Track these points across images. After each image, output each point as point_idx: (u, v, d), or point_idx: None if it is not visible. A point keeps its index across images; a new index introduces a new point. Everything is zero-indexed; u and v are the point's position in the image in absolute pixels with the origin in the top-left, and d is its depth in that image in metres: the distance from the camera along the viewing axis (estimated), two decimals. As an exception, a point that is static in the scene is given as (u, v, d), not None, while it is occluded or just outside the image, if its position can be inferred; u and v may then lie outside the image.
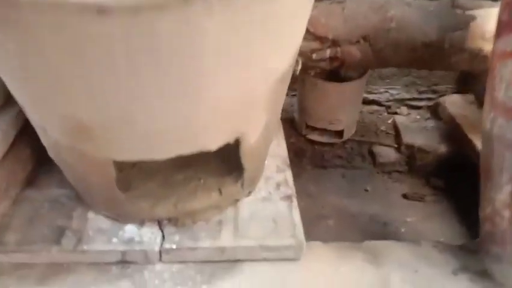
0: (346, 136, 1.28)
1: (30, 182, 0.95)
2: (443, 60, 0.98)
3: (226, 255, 0.83)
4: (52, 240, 0.82)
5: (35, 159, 0.97)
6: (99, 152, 0.69)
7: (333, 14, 0.98)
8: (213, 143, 0.73)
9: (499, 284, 0.83)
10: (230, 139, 0.75)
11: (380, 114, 1.44)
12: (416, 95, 1.44)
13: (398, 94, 1.44)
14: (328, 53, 1.00)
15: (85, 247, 0.81)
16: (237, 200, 0.90)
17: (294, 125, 1.33)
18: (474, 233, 0.99)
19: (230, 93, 0.66)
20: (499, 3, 0.90)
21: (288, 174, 0.99)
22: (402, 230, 1.13)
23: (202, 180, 0.88)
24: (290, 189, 0.95)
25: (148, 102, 0.61)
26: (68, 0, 0.48)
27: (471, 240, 0.94)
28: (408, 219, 1.17)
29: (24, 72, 0.59)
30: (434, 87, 1.42)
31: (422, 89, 1.43)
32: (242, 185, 0.88)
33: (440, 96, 1.42)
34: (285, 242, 0.83)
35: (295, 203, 0.92)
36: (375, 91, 1.43)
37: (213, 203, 0.86)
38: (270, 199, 0.92)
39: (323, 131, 1.27)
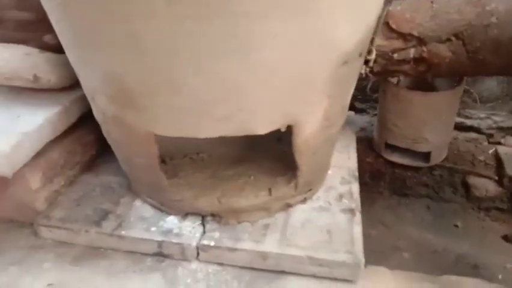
0: (434, 160, 1.10)
1: (89, 167, 0.95)
2: (560, 63, 0.79)
3: (269, 264, 0.72)
4: (93, 221, 0.79)
5: (99, 146, 0.98)
6: (140, 123, 0.66)
7: (420, 8, 0.86)
8: (261, 126, 0.65)
9: None
10: (282, 124, 0.66)
11: (479, 143, 1.22)
12: (527, 124, 1.21)
13: (502, 122, 1.22)
14: (412, 52, 0.87)
15: (123, 232, 0.77)
16: (289, 205, 0.80)
17: (372, 145, 1.19)
18: None
19: (281, 61, 0.58)
20: None
21: (355, 187, 0.86)
22: (500, 276, 0.90)
23: (252, 177, 0.80)
24: (354, 202, 0.82)
25: (193, 62, 0.56)
26: None
27: None
28: (509, 266, 0.93)
29: (76, 27, 0.58)
30: (550, 116, 1.19)
31: (535, 116, 1.20)
32: (295, 187, 0.78)
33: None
34: (339, 258, 0.70)
35: (358, 218, 0.78)
36: (474, 116, 1.23)
37: (260, 203, 0.76)
38: (328, 209, 0.80)
39: (406, 152, 1.10)
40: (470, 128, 1.25)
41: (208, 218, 0.78)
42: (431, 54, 0.86)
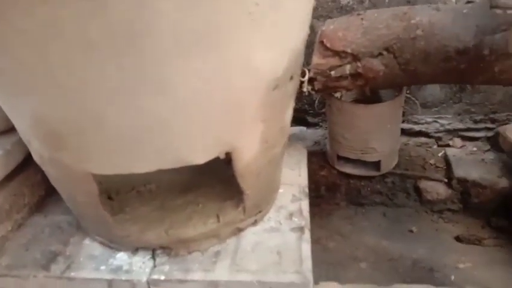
0: (385, 169, 1.13)
1: (38, 208, 0.93)
2: (484, 70, 0.83)
3: (221, 291, 0.72)
4: (42, 265, 0.77)
5: (47, 185, 0.95)
6: (76, 164, 0.65)
7: (351, 26, 0.89)
8: (198, 156, 0.66)
9: None
10: (219, 153, 0.67)
11: (429, 147, 1.26)
12: (471, 125, 1.26)
13: (449, 124, 1.27)
14: (348, 68, 0.90)
15: (72, 274, 0.75)
16: (239, 229, 0.80)
17: (326, 158, 1.21)
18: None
19: (206, 94, 0.59)
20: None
21: (304, 204, 0.87)
22: (452, 277, 0.93)
23: (200, 205, 0.80)
24: (304, 219, 0.83)
25: (113, 101, 0.56)
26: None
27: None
28: (461, 266, 0.96)
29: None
30: (493, 116, 1.24)
31: (478, 117, 1.25)
32: (244, 211, 0.78)
33: (500, 125, 1.22)
34: (287, 279, 0.70)
35: (307, 235, 0.79)
36: (421, 121, 1.27)
37: (209, 230, 0.77)
38: (278, 229, 0.81)
39: (358, 162, 1.13)
40: (419, 133, 1.29)
41: (158, 251, 0.78)
42: (366, 69, 0.89)
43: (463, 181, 1.11)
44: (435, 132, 1.28)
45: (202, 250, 0.77)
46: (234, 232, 0.80)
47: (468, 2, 0.91)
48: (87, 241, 0.82)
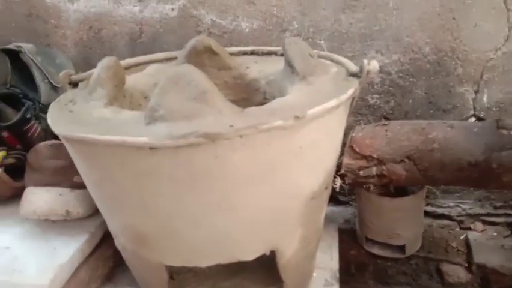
0: (409, 252, 1.25)
1: (109, 278, 1.11)
2: (494, 179, 0.96)
3: None
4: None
5: (117, 258, 1.14)
6: (153, 257, 0.83)
7: (377, 135, 1.05)
8: (249, 255, 0.82)
9: None
10: (265, 251, 0.83)
11: (452, 229, 1.37)
12: (491, 210, 1.36)
13: (470, 209, 1.38)
14: (374, 170, 1.05)
15: None
16: (279, 313, 0.94)
17: (356, 237, 1.34)
18: None
19: (260, 211, 0.76)
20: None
21: (337, 289, 1.01)
22: None
23: (246, 288, 0.96)
24: (334, 306, 0.96)
25: (189, 219, 0.74)
26: (128, 139, 0.65)
27: None
28: None
29: (101, 193, 0.78)
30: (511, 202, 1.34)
31: (498, 204, 1.35)
32: (283, 297, 0.93)
33: (521, 212, 1.32)
34: None
35: (338, 320, 0.92)
36: (445, 205, 1.39)
37: (254, 312, 0.91)
38: (312, 315, 0.95)
39: (384, 245, 1.26)
40: (442, 216, 1.40)
41: (210, 327, 0.93)
42: (390, 172, 1.04)
43: (482, 267, 1.21)
44: (457, 216, 1.39)
45: (247, 329, 0.92)
46: (274, 315, 0.94)
47: (478, 119, 1.06)
48: (150, 313, 0.98)
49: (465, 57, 1.23)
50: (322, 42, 1.29)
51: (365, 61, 0.84)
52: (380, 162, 1.04)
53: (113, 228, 0.86)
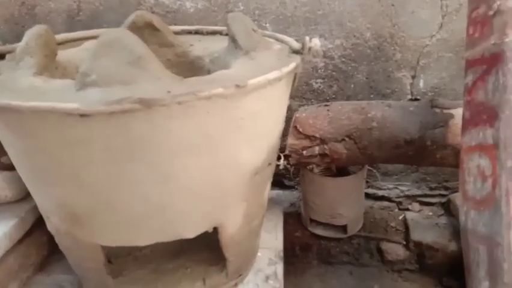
0: (350, 231, 1.28)
1: (42, 267, 1.04)
2: (428, 156, 1.01)
3: None
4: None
5: (50, 246, 1.07)
6: (88, 237, 0.78)
7: (319, 115, 1.07)
8: (190, 231, 0.80)
9: None
10: (208, 228, 0.81)
11: (391, 210, 1.43)
12: (427, 191, 1.43)
13: (408, 190, 1.44)
14: (317, 150, 1.07)
15: (75, 331, 0.86)
16: (222, 292, 0.93)
17: (300, 219, 1.36)
18: None
19: (201, 184, 0.74)
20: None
21: (279, 268, 1.01)
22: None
23: (188, 269, 0.93)
24: (279, 282, 0.96)
25: (125, 191, 0.70)
26: (57, 106, 0.61)
27: None
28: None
29: (30, 166, 0.72)
30: (445, 184, 1.42)
31: (433, 185, 1.43)
32: (226, 275, 0.91)
33: (452, 192, 1.40)
34: (264, 336, 0.83)
35: (282, 297, 0.93)
36: (384, 187, 1.45)
37: (197, 292, 0.89)
38: (256, 292, 0.94)
39: (327, 226, 1.28)
40: (383, 198, 1.45)
41: (150, 311, 0.89)
42: (332, 151, 1.06)
43: (418, 244, 1.27)
44: (397, 197, 1.45)
45: (189, 310, 0.89)
46: (217, 294, 0.92)
47: (414, 100, 1.11)
48: (88, 300, 0.93)
49: (403, 43, 1.28)
50: (267, 25, 1.29)
51: (307, 38, 0.85)
52: (323, 141, 1.06)
53: (44, 208, 0.81)
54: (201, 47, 1.05)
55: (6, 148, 0.75)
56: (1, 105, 0.63)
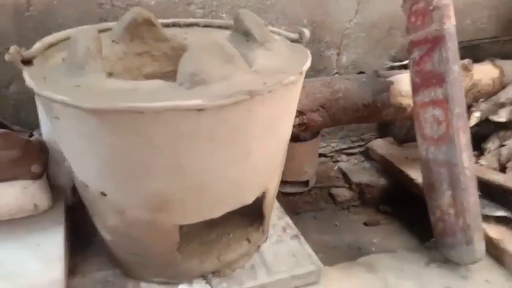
0: (311, 184, 1.57)
1: (71, 271, 1.03)
2: (377, 115, 1.35)
3: (268, 290, 1.02)
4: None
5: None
6: (171, 220, 0.87)
7: (296, 92, 1.29)
8: (251, 198, 0.95)
9: (456, 264, 1.14)
10: (260, 193, 0.98)
11: (328, 164, 1.77)
12: (350, 144, 1.81)
13: (337, 146, 1.80)
14: (297, 121, 1.30)
15: (149, 311, 0.93)
16: (259, 246, 1.11)
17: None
18: (424, 237, 1.31)
19: (265, 157, 0.91)
20: (407, 72, 1.31)
21: (288, 219, 1.23)
22: (373, 249, 1.42)
23: (231, 235, 1.08)
24: (295, 230, 1.19)
25: (217, 173, 0.82)
26: (181, 103, 0.70)
27: (429, 241, 1.25)
28: (374, 241, 1.46)
29: (128, 163, 0.77)
30: (362, 136, 1.82)
31: (354, 139, 1.81)
32: (263, 231, 1.09)
33: (368, 142, 1.81)
34: (308, 269, 1.05)
35: (303, 239, 1.15)
36: (320, 146, 1.77)
37: (244, 251, 1.05)
38: (282, 240, 1.14)
39: (292, 183, 1.54)
40: (320, 154, 1.78)
41: (210, 276, 1.02)
42: (309, 120, 1.30)
43: (358, 184, 1.63)
44: (330, 153, 1.80)
45: (241, 267, 1.05)
46: (256, 249, 1.09)
47: (360, 73, 1.42)
48: (144, 285, 0.99)
49: (331, 26, 1.58)
50: (224, 15, 1.43)
51: (304, 29, 1.06)
52: (301, 113, 1.29)
53: (126, 202, 0.85)
54: (195, 39, 1.14)
55: (88, 151, 0.78)
56: (122, 108, 0.69)
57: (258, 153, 0.87)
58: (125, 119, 0.71)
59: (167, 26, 1.22)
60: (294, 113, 1.00)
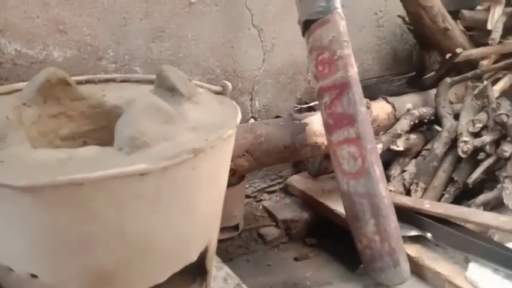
0: (241, 228, 1.58)
1: None
2: (297, 154, 1.44)
3: None
4: None
5: None
6: (112, 292, 0.81)
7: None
8: (195, 254, 0.93)
9: (386, 286, 1.24)
10: (204, 247, 0.96)
11: (252, 204, 1.81)
12: (270, 183, 1.88)
13: (258, 185, 1.85)
14: (224, 168, 1.32)
15: None
16: (203, 303, 1.07)
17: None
18: (352, 264, 1.40)
19: (209, 209, 0.90)
20: (316, 113, 1.43)
21: (227, 268, 1.22)
22: (308, 283, 1.46)
23: (174, 294, 1.03)
24: (236, 279, 1.18)
25: (164, 233, 0.80)
26: (126, 170, 0.67)
27: (358, 268, 1.34)
28: (307, 275, 1.51)
29: (66, 239, 0.71)
30: (280, 174, 1.90)
31: (273, 177, 1.88)
32: (206, 287, 1.07)
33: (286, 179, 1.89)
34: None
35: (245, 286, 1.15)
36: (243, 188, 1.81)
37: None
38: (226, 292, 1.13)
39: (223, 230, 1.53)
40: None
41: None
42: (236, 165, 1.33)
43: (284, 221, 1.69)
44: (252, 193, 1.84)
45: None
46: (200, 306, 1.06)
47: (277, 117, 1.51)
48: None
49: (242, 75, 1.66)
50: (138, 68, 1.41)
51: (227, 82, 1.10)
52: (228, 159, 1.32)
53: (61, 281, 0.77)
54: (115, 96, 1.11)
55: (16, 231, 0.70)
56: (62, 182, 0.64)
57: (202, 207, 0.87)
58: (64, 193, 0.66)
59: (80, 83, 1.17)
60: (229, 162, 1.02)
